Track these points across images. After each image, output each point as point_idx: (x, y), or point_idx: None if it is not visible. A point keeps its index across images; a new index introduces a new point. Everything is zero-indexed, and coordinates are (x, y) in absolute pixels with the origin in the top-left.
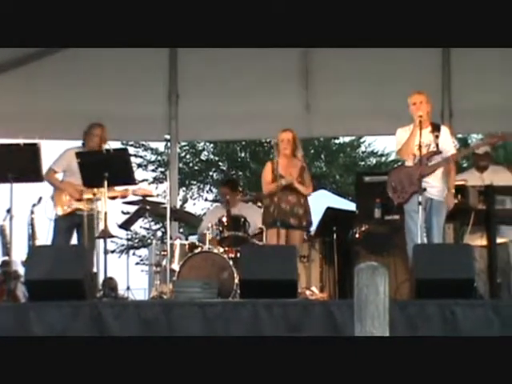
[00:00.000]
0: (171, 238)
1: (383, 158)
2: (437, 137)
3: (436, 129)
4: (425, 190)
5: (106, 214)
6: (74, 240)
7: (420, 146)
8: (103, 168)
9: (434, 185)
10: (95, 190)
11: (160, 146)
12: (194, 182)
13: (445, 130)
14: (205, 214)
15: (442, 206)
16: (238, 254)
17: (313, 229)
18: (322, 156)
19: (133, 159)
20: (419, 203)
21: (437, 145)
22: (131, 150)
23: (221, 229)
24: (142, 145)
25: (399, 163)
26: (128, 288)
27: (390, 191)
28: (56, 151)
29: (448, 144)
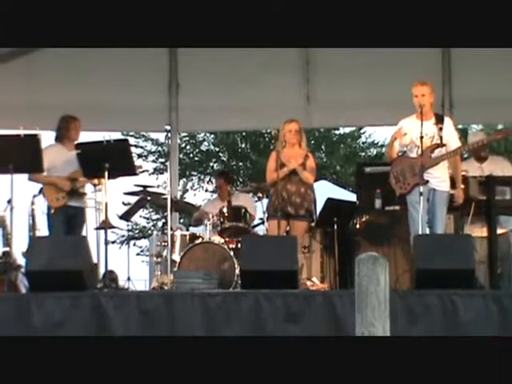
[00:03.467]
0: (172, 229)
1: (384, 149)
2: (440, 129)
3: (440, 120)
4: (427, 182)
5: (106, 204)
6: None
7: (422, 137)
8: (104, 159)
9: (437, 175)
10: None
11: (160, 136)
12: (195, 173)
13: (448, 122)
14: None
15: (445, 197)
16: (239, 245)
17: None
18: (323, 147)
19: (133, 150)
20: (420, 194)
21: (441, 137)
22: (131, 141)
23: (221, 219)
24: (143, 135)
25: (401, 153)
26: (129, 279)
27: (392, 181)
28: None
29: (453, 137)
